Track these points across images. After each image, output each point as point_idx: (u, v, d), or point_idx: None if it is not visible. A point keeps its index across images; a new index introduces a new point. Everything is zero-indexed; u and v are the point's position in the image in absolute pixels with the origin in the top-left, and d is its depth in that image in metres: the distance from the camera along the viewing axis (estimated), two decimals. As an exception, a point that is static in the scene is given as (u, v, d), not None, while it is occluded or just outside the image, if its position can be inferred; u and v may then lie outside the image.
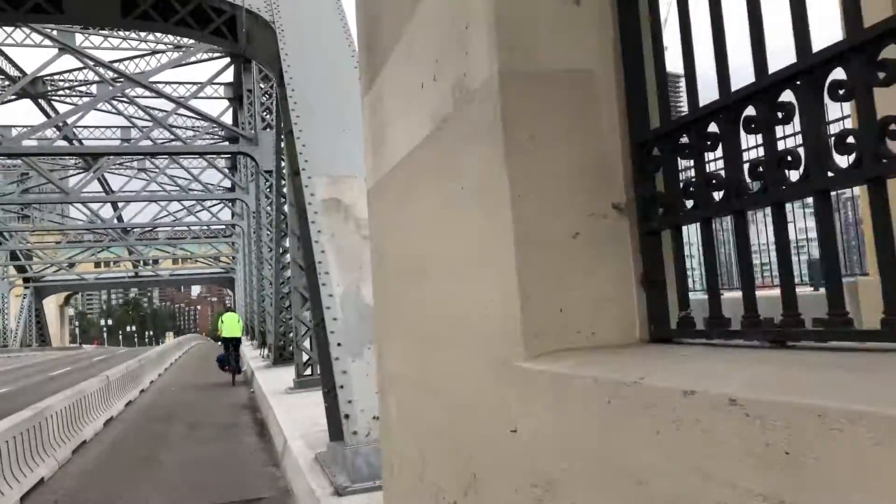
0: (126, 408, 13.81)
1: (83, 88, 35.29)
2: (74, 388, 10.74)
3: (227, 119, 35.60)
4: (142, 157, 46.28)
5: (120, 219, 43.69)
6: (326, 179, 8.28)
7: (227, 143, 29.34)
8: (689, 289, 1.47)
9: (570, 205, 1.52)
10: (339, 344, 6.51)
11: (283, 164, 15.68)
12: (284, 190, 16.03)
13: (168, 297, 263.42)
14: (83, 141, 44.63)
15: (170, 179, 45.60)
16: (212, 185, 46.30)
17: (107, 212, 46.18)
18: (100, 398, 12.04)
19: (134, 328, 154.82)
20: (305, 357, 12.38)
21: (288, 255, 16.89)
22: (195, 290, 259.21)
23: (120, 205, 42.17)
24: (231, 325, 18.90)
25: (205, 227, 53.44)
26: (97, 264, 69.03)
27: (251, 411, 12.61)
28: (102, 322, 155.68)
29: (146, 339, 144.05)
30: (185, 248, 58.68)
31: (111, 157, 44.49)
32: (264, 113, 21.72)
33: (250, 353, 23.94)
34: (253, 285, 30.38)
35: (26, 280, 63.97)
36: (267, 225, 21.24)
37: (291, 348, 17.86)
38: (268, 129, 21.11)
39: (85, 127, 43.76)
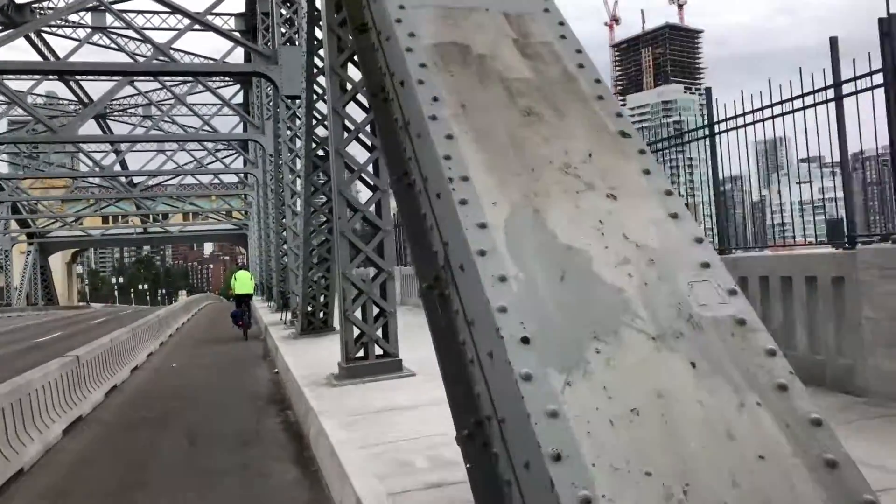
0: (107, 398, 10.12)
1: (75, 17, 31.22)
2: (14, 382, 7.00)
3: (238, 57, 31.50)
4: (147, 102, 42.48)
5: (123, 165, 39.94)
6: (436, 12, 4.24)
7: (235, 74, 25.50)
8: None
9: None
10: (523, 339, 2.60)
11: (315, 70, 11.69)
12: (318, 106, 12.09)
13: (181, 256, 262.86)
14: (80, 81, 40.70)
15: (178, 128, 41.69)
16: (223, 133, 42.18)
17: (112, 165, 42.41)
18: (63, 390, 8.33)
19: (146, 287, 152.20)
20: (356, 332, 8.58)
21: (320, 197, 13.05)
22: (207, 248, 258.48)
23: (123, 149, 38.29)
24: (243, 282, 19.44)
25: (216, 182, 49.57)
26: (105, 220, 65.42)
27: (279, 408, 8.87)
28: (114, 280, 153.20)
29: (158, 298, 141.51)
30: (195, 203, 54.93)
31: (112, 100, 40.56)
32: (284, 28, 17.65)
33: (268, 318, 20.27)
34: (270, 239, 26.66)
35: (30, 236, 60.72)
36: (289, 162, 17.36)
37: (324, 315, 14.14)
38: (289, 45, 17.07)
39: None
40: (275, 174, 21.74)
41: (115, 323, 30.36)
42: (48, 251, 65.44)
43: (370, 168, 8.72)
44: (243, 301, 19.23)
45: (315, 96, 11.89)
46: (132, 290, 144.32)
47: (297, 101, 17.02)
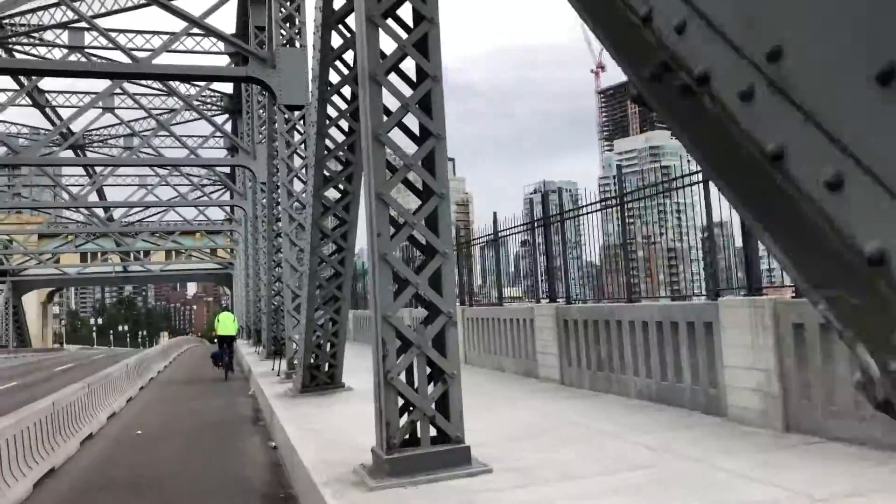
0: (35, 491, 7.21)
1: (50, 37, 28.73)
2: None
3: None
4: (129, 132, 39.81)
5: (101, 196, 37.06)
6: None
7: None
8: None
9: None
10: None
11: (332, 51, 9.06)
12: (332, 99, 9.43)
13: (163, 297, 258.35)
14: (57, 109, 38.07)
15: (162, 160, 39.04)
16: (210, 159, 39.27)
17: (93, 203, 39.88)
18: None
19: (126, 328, 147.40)
20: (399, 402, 5.76)
21: (329, 219, 10.35)
22: (191, 289, 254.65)
23: (101, 179, 35.47)
24: (226, 323, 19.84)
25: (200, 219, 46.74)
26: (83, 258, 62.12)
27: (282, 513, 6.02)
28: (92, 321, 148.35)
29: (139, 340, 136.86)
30: (177, 241, 51.84)
31: (89, 129, 37.85)
32: (284, 29, 15.10)
33: (257, 368, 17.33)
34: (259, 277, 23.85)
35: (2, 273, 57.39)
36: (287, 182, 14.64)
37: (330, 368, 11.32)
38: (289, 47, 14.52)
39: (60, 92, 37.26)
40: (268, 201, 19.05)
41: (83, 369, 27.26)
42: (22, 290, 62.14)
43: (419, 163, 6.03)
44: (225, 342, 19.78)
45: (328, 87, 9.24)
46: (111, 331, 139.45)
47: (297, 112, 14.48)
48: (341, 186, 9.99)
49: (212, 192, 46.26)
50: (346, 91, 9.38)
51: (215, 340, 21.02)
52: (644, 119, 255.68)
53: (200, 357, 32.34)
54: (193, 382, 19.67)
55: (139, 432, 10.72)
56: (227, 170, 41.45)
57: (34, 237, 56.76)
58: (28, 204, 42.14)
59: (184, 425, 11.35)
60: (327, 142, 9.64)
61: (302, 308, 10.98)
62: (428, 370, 5.91)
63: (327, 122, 9.54)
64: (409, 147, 6.10)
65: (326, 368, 11.40)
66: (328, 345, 11.20)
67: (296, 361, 13.62)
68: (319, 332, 11.08)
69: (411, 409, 5.77)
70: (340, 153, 9.70)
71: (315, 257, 10.25)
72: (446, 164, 6.03)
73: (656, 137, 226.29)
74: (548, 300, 11.15)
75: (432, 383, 5.88)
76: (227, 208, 41.91)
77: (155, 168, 39.26)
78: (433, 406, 5.78)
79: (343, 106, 9.43)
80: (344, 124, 9.64)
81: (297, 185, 14.65)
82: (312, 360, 11.31)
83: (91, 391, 11.29)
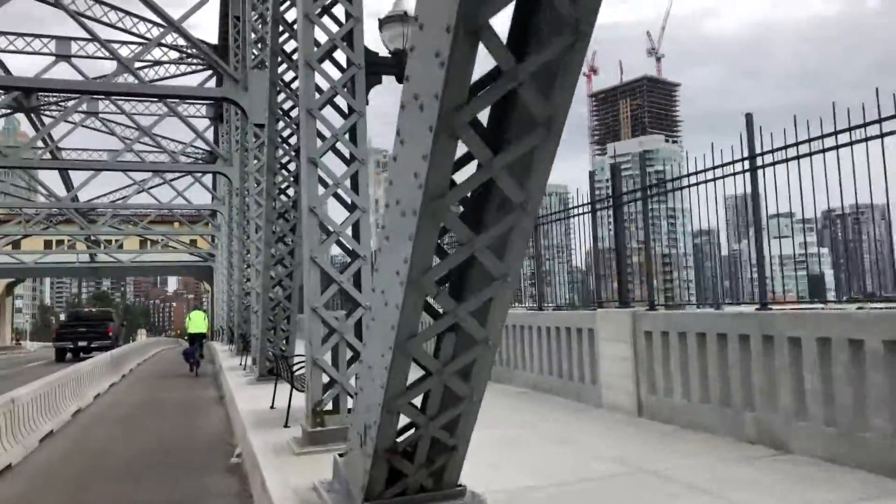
0: None
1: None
2: None
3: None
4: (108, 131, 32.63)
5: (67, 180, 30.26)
6: None
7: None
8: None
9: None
10: None
11: None
12: None
13: (143, 293, 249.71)
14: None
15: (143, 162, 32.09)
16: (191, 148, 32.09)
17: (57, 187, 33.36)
18: None
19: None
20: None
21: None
22: (172, 285, 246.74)
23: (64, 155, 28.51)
24: (197, 322, 22.01)
25: (179, 201, 39.47)
26: (48, 245, 54.17)
27: None
28: (62, 317, 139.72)
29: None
30: (148, 227, 44.19)
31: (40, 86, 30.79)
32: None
33: (245, 403, 10.34)
34: (248, 263, 16.88)
35: (-55, 262, 49.65)
36: (318, 66, 7.58)
37: (436, 453, 4.51)
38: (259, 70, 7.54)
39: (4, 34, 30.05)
40: (269, 133, 12.08)
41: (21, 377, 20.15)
42: (-27, 281, 54.73)
43: None
44: (196, 340, 21.45)
45: None
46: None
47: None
48: None
49: (188, 189, 39.07)
50: None
51: (186, 338, 22.96)
52: (636, 123, 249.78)
53: (171, 365, 25.20)
54: (145, 423, 12.68)
55: None
56: (211, 137, 34.46)
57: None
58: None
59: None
60: None
61: (387, 301, 3.98)
62: None
63: None
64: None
65: (428, 455, 4.46)
66: (438, 399, 4.28)
67: (330, 408, 6.72)
68: (430, 365, 4.16)
69: None
70: None
71: (436, 171, 3.27)
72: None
73: (649, 142, 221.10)
74: None
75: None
76: (209, 183, 34.90)
77: (125, 139, 32.13)
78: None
79: None
80: None
81: (323, 82, 7.67)
82: (399, 438, 4.39)
83: None
